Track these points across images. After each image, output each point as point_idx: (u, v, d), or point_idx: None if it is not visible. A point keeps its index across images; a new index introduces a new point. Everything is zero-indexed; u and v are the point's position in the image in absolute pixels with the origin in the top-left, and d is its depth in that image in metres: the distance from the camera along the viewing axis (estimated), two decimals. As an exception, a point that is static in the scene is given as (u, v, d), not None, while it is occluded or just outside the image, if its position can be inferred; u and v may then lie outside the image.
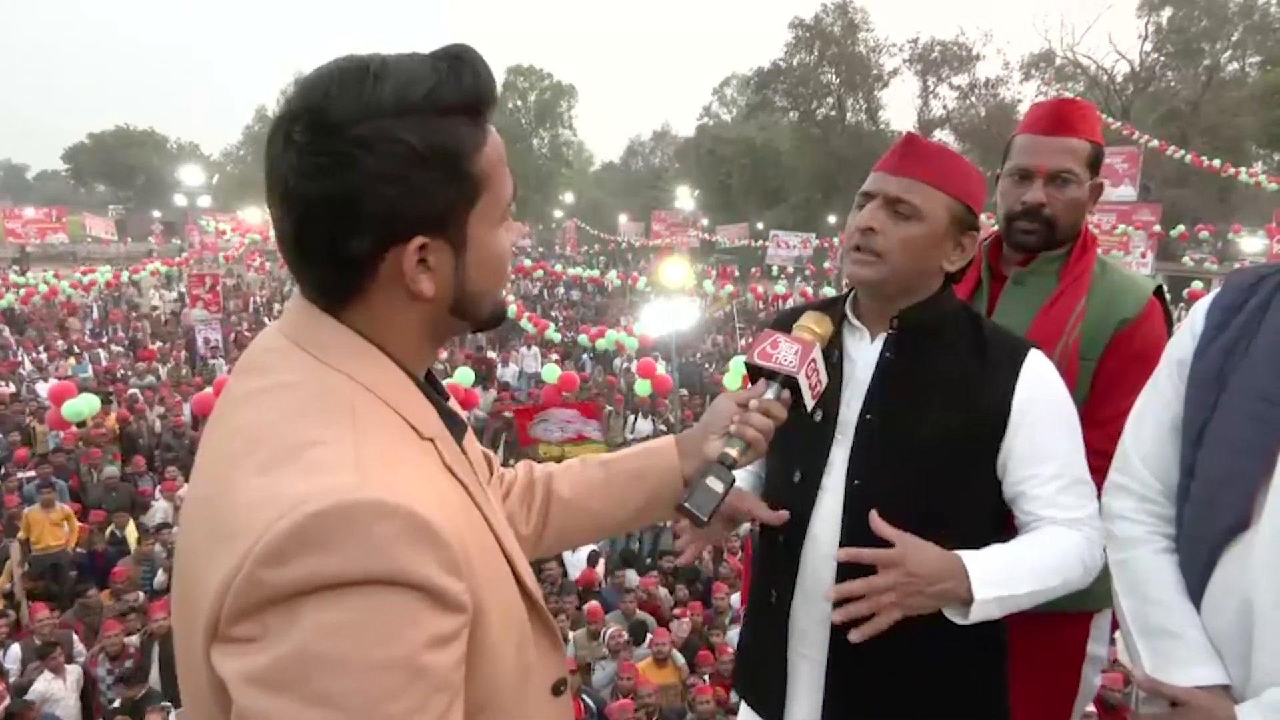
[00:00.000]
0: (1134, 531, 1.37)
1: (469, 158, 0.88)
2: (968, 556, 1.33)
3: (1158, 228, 24.86)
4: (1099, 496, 1.45)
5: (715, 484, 1.21)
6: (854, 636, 1.31)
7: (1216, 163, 25.17)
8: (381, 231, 0.85)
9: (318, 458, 0.79)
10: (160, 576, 7.39)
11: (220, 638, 0.75)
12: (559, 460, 1.41)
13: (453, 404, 1.05)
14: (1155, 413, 1.38)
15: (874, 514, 1.35)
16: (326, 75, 0.85)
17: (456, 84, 0.87)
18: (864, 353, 1.51)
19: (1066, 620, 1.82)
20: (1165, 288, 1.92)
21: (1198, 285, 21.26)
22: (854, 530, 1.43)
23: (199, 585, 0.78)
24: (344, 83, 0.84)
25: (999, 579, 1.33)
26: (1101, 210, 24.69)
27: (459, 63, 0.88)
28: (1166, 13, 40.13)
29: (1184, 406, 1.33)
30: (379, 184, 0.83)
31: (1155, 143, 26.31)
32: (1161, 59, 41.02)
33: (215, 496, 0.82)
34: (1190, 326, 1.37)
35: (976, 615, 1.32)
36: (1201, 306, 1.37)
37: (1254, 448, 1.20)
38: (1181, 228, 26.64)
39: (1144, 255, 23.92)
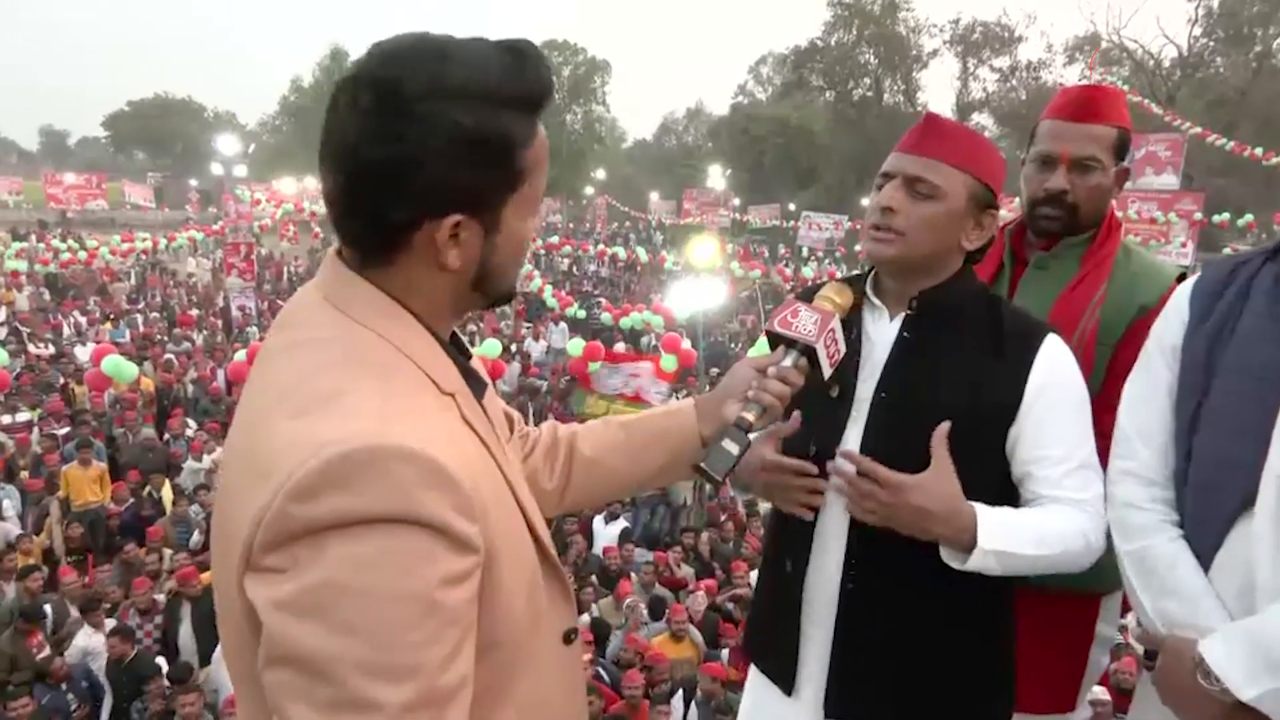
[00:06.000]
0: (1145, 520, 1.37)
1: (518, 149, 0.93)
2: (981, 509, 1.37)
3: (1199, 216, 24.21)
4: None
5: (731, 446, 1.25)
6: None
7: (1259, 151, 24.41)
8: (424, 203, 0.91)
9: (346, 405, 0.85)
10: (196, 537, 7.56)
11: (252, 567, 0.82)
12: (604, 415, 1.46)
13: (475, 364, 1.10)
14: (1151, 395, 1.40)
15: (943, 426, 1.39)
16: (400, 49, 0.90)
17: (519, 78, 0.92)
18: (882, 332, 1.54)
19: (1075, 601, 1.84)
20: (1196, 275, 1.91)
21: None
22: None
23: (235, 519, 0.85)
24: (416, 59, 0.88)
25: (1005, 535, 1.36)
26: (1143, 198, 24.11)
27: (523, 59, 0.93)
28: (1218, -4, 39.06)
29: (1178, 391, 1.35)
30: (431, 159, 0.88)
31: (1197, 129, 25.63)
32: (1211, 44, 39.92)
33: (252, 439, 0.89)
34: (1177, 312, 1.38)
35: (974, 564, 1.36)
36: (1184, 292, 1.38)
37: (1249, 429, 1.21)
38: (1226, 215, 25.95)
39: (1185, 245, 23.31)
